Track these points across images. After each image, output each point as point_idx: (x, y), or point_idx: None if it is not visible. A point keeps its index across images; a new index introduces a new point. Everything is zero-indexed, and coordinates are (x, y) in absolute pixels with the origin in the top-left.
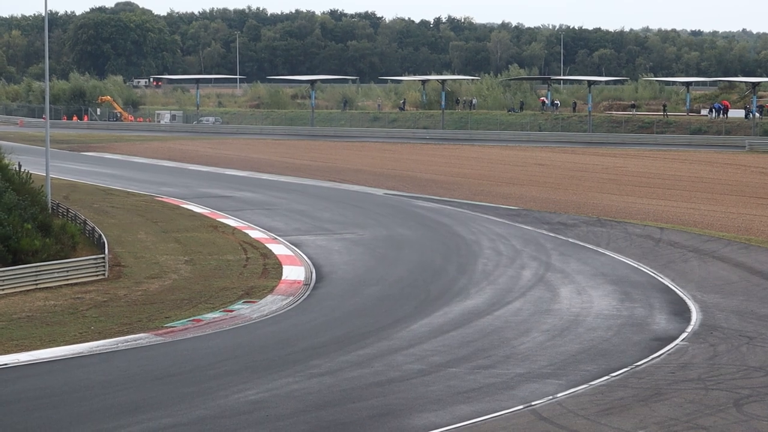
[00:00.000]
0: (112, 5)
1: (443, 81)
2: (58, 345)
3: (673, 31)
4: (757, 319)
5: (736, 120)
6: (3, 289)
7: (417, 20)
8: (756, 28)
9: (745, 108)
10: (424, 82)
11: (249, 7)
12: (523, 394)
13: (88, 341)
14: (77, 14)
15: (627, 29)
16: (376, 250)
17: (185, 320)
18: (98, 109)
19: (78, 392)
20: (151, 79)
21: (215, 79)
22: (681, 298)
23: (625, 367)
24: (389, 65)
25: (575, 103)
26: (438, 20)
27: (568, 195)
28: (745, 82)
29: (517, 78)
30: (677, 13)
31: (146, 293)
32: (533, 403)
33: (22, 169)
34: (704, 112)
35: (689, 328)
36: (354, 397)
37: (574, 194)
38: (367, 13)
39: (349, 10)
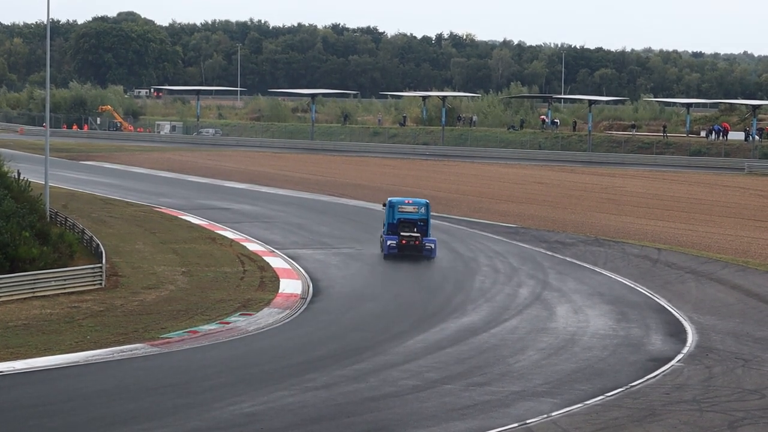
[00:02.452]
0: (114, 15)
1: (444, 97)
2: (54, 354)
3: (675, 52)
4: (753, 341)
5: (736, 142)
6: (0, 297)
7: (419, 36)
8: (757, 51)
9: (744, 130)
10: (424, 98)
11: (251, 20)
12: (518, 412)
13: (84, 350)
14: (79, 23)
15: (628, 49)
16: (374, 265)
17: (181, 331)
18: (98, 119)
19: (73, 401)
20: (152, 90)
21: (216, 90)
22: (677, 319)
23: (620, 387)
24: (390, 80)
25: (575, 122)
26: (440, 36)
27: (566, 214)
28: (746, 104)
29: (518, 96)
30: (679, 35)
31: (143, 303)
32: (528, 422)
33: (21, 177)
34: (703, 133)
35: (685, 350)
36: (349, 412)
37: (573, 213)
38: (369, 28)
39: (351, 24)
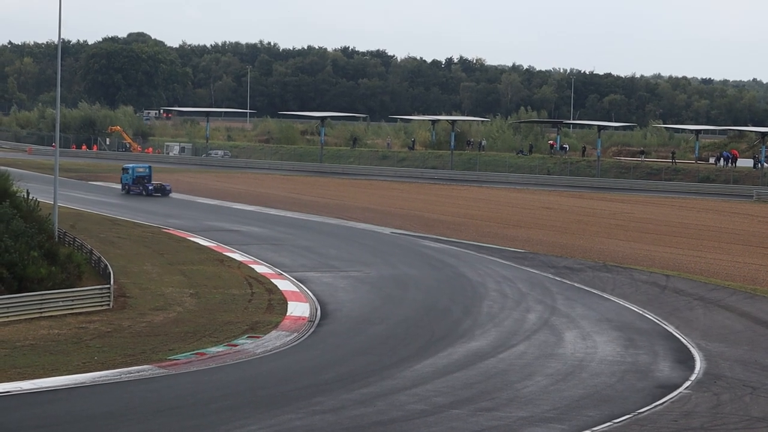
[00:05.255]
0: (125, 35)
1: (453, 121)
2: (61, 374)
3: (684, 78)
4: (762, 369)
5: (745, 169)
6: (8, 317)
7: (429, 60)
8: (766, 78)
9: (753, 157)
10: (434, 122)
11: (261, 42)
12: None
13: (91, 371)
14: (89, 43)
15: (638, 75)
16: (382, 288)
17: (189, 353)
18: (108, 139)
19: (80, 422)
20: (161, 111)
21: (225, 112)
22: (685, 346)
23: (628, 413)
24: (400, 104)
25: (584, 147)
26: (449, 61)
27: (574, 239)
28: (755, 131)
29: (527, 121)
30: (688, 61)
31: (150, 325)
32: None
33: (30, 197)
34: (712, 160)
35: (693, 377)
36: None
37: (581, 239)
38: (378, 51)
39: (361, 47)
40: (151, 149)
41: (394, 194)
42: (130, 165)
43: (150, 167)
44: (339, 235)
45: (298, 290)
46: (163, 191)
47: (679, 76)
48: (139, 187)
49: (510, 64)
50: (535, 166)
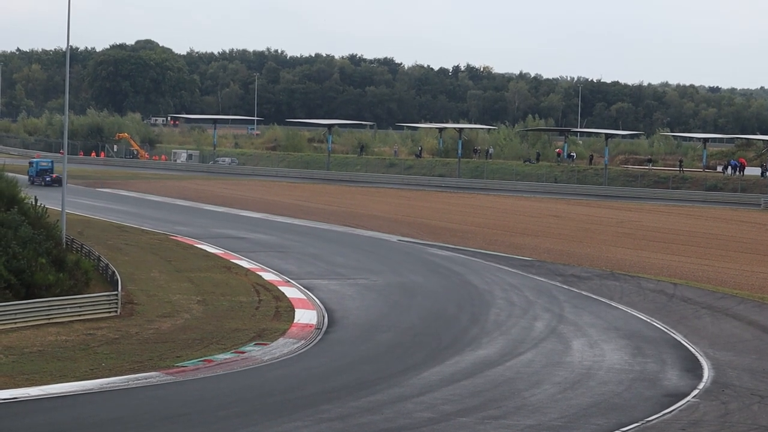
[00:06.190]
0: (133, 42)
1: (460, 129)
2: (69, 381)
3: (692, 86)
4: None
5: (752, 178)
6: (15, 323)
7: (436, 68)
8: None
9: (761, 166)
10: (441, 129)
11: (268, 49)
12: None
13: (98, 378)
14: (97, 50)
15: (645, 83)
16: (389, 296)
17: (196, 360)
18: (115, 146)
19: (87, 429)
20: (169, 118)
21: (233, 119)
22: (693, 355)
23: (636, 422)
24: (407, 112)
25: (592, 155)
26: (457, 68)
27: (582, 247)
28: (762, 140)
29: (535, 129)
30: (696, 69)
31: (158, 332)
32: None
33: (38, 203)
34: (720, 168)
35: (701, 385)
36: None
37: (588, 247)
38: (386, 59)
39: (369, 55)
40: (165, 157)
41: (401, 202)
42: (35, 159)
43: (52, 162)
44: (346, 242)
45: (305, 297)
46: (60, 182)
47: (687, 84)
48: (40, 178)
49: (517, 72)
50: (542, 174)
